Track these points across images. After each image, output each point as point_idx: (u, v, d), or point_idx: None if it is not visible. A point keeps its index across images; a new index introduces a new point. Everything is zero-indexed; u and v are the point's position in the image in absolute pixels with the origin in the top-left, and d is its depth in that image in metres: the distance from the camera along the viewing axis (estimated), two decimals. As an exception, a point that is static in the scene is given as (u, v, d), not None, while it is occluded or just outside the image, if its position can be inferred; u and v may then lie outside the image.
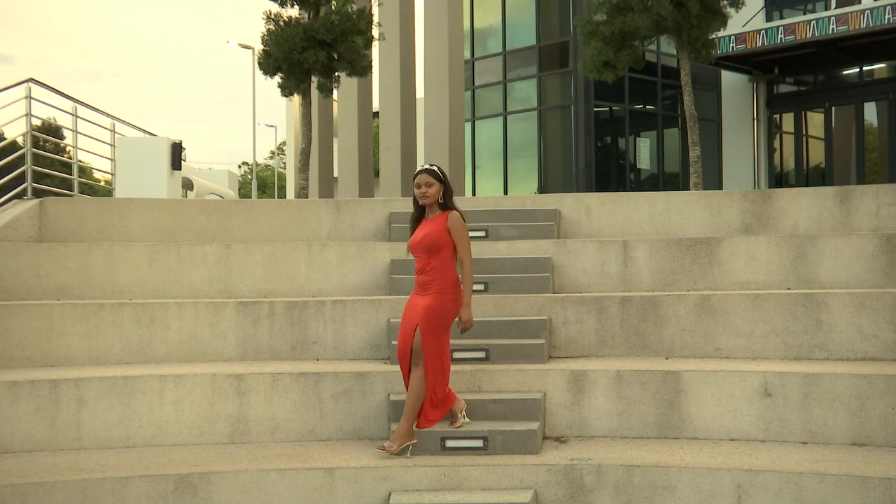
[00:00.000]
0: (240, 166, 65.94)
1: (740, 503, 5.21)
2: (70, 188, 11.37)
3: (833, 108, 21.22)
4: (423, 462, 5.47)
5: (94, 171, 19.85)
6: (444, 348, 5.68)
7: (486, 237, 7.83)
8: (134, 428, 5.99)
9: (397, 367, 6.22)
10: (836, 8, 20.33)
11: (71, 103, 10.73)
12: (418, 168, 5.79)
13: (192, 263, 7.34)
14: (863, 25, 18.01)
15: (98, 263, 7.25)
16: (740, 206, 8.06)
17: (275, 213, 8.24)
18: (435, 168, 5.78)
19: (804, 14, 20.80)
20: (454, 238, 5.65)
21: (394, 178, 22.17)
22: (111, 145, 12.36)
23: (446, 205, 5.73)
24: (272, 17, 14.30)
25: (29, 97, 9.55)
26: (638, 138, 24.03)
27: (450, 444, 5.62)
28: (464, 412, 5.79)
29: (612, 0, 14.80)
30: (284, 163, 57.31)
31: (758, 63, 21.15)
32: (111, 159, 12.48)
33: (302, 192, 14.26)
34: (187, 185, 14.58)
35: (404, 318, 5.72)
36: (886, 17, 17.65)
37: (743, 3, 14.85)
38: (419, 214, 5.81)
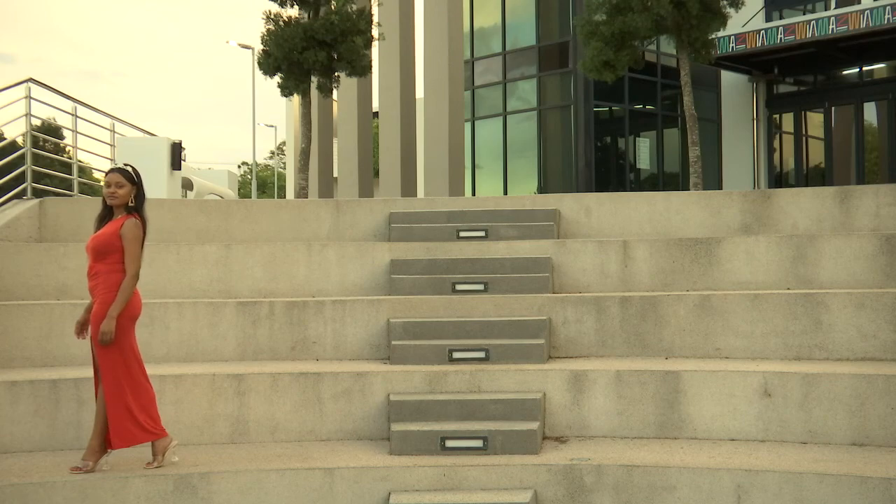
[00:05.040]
0: (240, 166, 65.92)
1: (740, 503, 5.21)
2: (70, 188, 11.37)
3: (833, 108, 21.21)
4: (423, 462, 5.47)
5: (93, 171, 19.83)
6: (124, 358, 5.26)
7: (485, 237, 7.83)
8: (134, 428, 5.98)
9: (398, 368, 6.24)
10: (835, 8, 20.33)
11: (71, 103, 10.73)
12: (110, 167, 5.41)
13: (191, 263, 7.34)
14: (862, 25, 18.01)
15: (98, 263, 7.23)
16: (740, 206, 8.06)
17: (275, 213, 8.25)
18: (128, 168, 5.42)
19: (804, 14, 20.79)
20: (123, 244, 5.25)
21: (394, 178, 22.17)
22: (111, 145, 12.37)
23: (136, 209, 5.35)
24: (272, 17, 14.33)
25: (29, 97, 9.55)
26: (638, 138, 24.03)
27: (450, 444, 5.62)
28: (167, 453, 5.41)
29: (612, 0, 14.81)
30: (284, 163, 57.32)
31: (757, 63, 21.14)
32: (111, 159, 12.47)
33: (302, 192, 14.27)
34: (187, 185, 14.58)
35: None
36: (886, 17, 17.65)
37: (743, 3, 14.86)
38: (105, 214, 5.42)
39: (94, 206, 8.19)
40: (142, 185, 5.46)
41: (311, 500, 5.36)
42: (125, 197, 5.36)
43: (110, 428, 5.25)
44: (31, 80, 9.72)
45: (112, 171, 5.42)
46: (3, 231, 7.49)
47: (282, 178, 59.50)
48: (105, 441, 5.32)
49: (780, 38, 19.22)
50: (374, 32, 14.86)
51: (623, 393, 6.05)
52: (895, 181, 19.24)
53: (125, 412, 5.24)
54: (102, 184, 5.36)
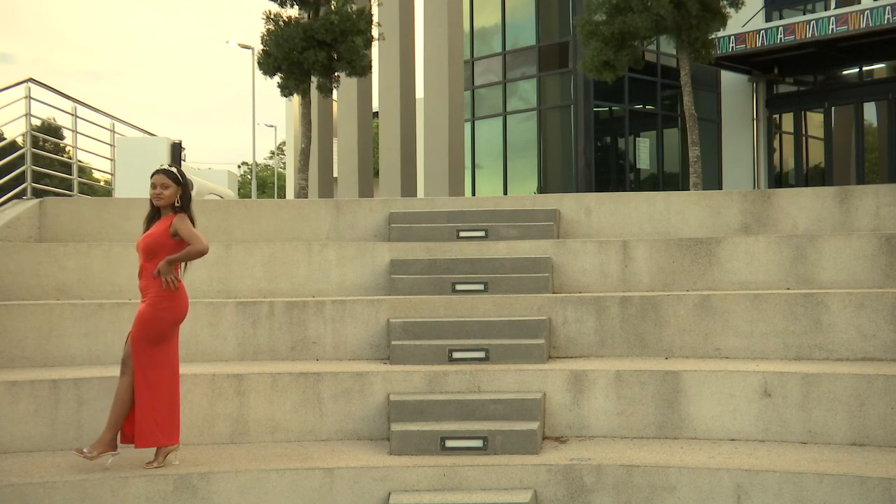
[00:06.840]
0: (239, 166, 65.92)
1: (740, 503, 5.21)
2: (70, 188, 11.37)
3: (833, 108, 21.22)
4: (423, 462, 5.47)
5: (93, 171, 19.86)
6: (158, 361, 5.34)
7: (485, 237, 7.83)
8: (134, 428, 5.98)
9: (397, 368, 6.24)
10: (835, 8, 20.34)
11: (71, 103, 10.73)
12: (156, 168, 5.55)
13: (191, 263, 7.31)
14: (862, 25, 18.02)
15: (98, 263, 7.25)
16: (740, 206, 8.06)
17: (274, 213, 8.24)
18: (172, 169, 5.53)
19: (804, 14, 20.80)
20: (181, 236, 5.38)
21: (394, 178, 22.18)
22: (111, 145, 12.37)
23: (182, 209, 5.46)
24: (272, 17, 14.34)
25: (29, 97, 9.55)
26: (638, 138, 24.03)
27: (450, 444, 5.63)
28: (169, 456, 5.43)
29: (612, 0, 14.81)
30: (284, 163, 57.32)
31: (757, 63, 21.16)
32: (111, 159, 12.49)
33: (302, 192, 14.27)
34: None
35: None
36: (886, 17, 17.66)
37: (743, 3, 14.87)
38: (153, 215, 5.55)
39: (94, 206, 8.22)
40: (187, 186, 5.54)
41: (310, 500, 5.36)
42: (171, 197, 5.46)
43: (136, 427, 5.30)
44: (31, 80, 9.72)
45: (157, 172, 5.52)
46: (3, 231, 7.49)
47: (282, 178, 59.50)
48: (116, 436, 5.34)
49: (780, 38, 19.23)
50: (374, 32, 14.87)
51: (623, 393, 6.05)
52: (895, 181, 19.25)
53: (151, 413, 5.29)
54: (148, 185, 5.50)
